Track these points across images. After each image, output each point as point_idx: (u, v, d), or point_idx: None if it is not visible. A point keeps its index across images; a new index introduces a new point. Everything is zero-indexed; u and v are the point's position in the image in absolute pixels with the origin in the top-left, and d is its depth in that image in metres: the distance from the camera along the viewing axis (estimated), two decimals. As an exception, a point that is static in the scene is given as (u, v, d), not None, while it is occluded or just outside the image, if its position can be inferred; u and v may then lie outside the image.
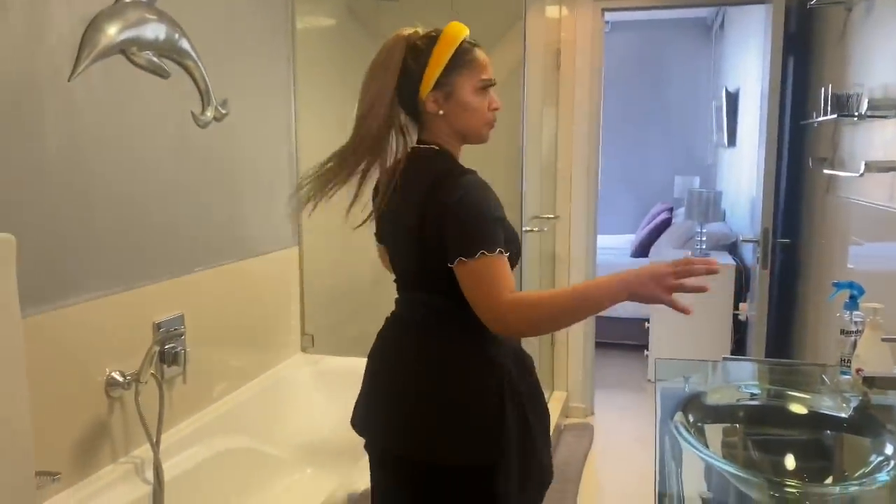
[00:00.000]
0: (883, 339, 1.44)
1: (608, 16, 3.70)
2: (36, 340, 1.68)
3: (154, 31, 2.05)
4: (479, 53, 1.47)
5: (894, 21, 1.93)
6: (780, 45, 2.73)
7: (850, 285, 1.65)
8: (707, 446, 1.45)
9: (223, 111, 2.40)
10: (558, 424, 3.55)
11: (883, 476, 1.25)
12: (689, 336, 4.23)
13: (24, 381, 1.22)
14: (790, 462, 1.49)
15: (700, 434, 1.48)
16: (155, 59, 2.07)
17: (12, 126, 1.63)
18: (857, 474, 1.34)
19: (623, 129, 6.81)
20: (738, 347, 4.22)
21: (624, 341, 5.02)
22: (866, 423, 1.43)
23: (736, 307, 4.13)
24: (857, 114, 1.97)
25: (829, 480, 1.37)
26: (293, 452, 2.62)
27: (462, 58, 1.44)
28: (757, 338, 2.96)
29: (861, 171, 1.87)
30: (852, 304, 1.64)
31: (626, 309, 5.04)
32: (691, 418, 1.52)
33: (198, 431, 2.23)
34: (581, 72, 3.65)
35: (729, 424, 1.60)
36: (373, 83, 1.45)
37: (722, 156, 6.00)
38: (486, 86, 1.47)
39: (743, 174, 4.64)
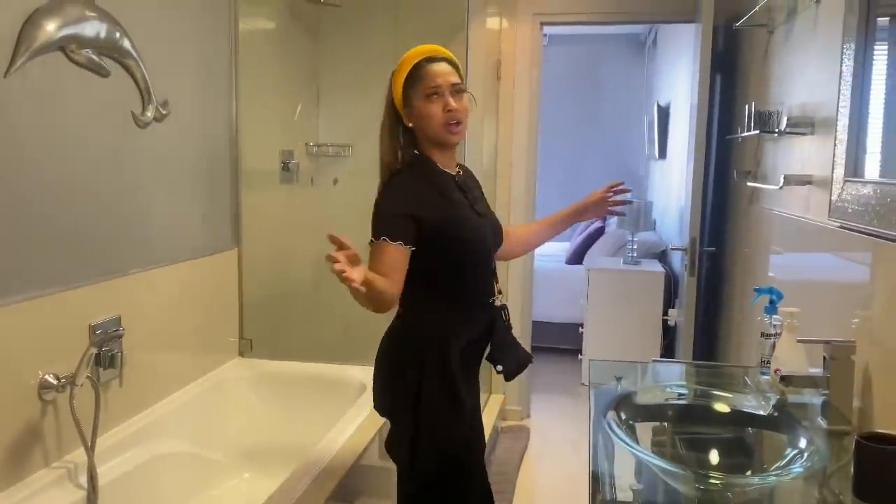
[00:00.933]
0: (798, 341, 1.54)
1: (546, 29, 3.81)
2: (-34, 342, 1.64)
3: (94, 28, 2.03)
4: (429, 68, 1.70)
5: (811, 44, 2.07)
6: (707, 63, 2.87)
7: (770, 290, 1.75)
8: (637, 442, 1.52)
9: (164, 111, 2.38)
10: (496, 427, 3.61)
11: (797, 468, 1.34)
12: (620, 340, 4.36)
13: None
14: (714, 457, 1.57)
15: (631, 431, 1.55)
16: (95, 57, 2.04)
17: (-55, 121, 1.59)
18: (774, 467, 1.43)
19: (560, 139, 6.98)
20: (668, 351, 4.38)
21: (559, 345, 5.14)
22: (784, 420, 1.52)
23: (665, 313, 4.28)
24: (777, 130, 2.10)
25: (748, 473, 1.45)
26: (231, 457, 2.60)
27: (413, 74, 1.70)
28: (685, 341, 3.08)
29: (780, 184, 1.99)
30: (771, 308, 1.75)
31: (561, 314, 5.18)
32: (623, 416, 1.59)
33: (134, 435, 2.20)
34: (520, 82, 3.74)
35: (658, 423, 1.68)
36: (383, 114, 1.77)
37: (653, 168, 6.21)
38: (431, 93, 1.68)
39: (672, 185, 4.83)
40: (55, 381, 1.88)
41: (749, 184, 2.65)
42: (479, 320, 1.77)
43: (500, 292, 1.83)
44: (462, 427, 1.75)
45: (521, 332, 3.93)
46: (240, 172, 2.88)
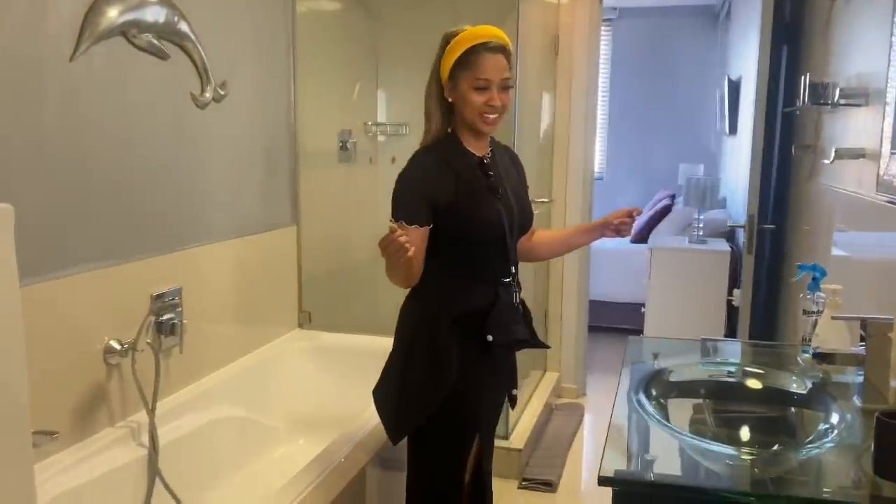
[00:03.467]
0: (833, 318, 1.51)
1: (616, 2, 3.74)
2: (38, 308, 1.78)
3: (154, 13, 2.13)
4: (483, 57, 1.70)
5: (869, 11, 1.98)
6: (768, 32, 2.77)
7: (814, 267, 1.71)
8: (668, 419, 1.53)
9: (222, 92, 2.48)
10: (549, 403, 3.63)
11: (824, 445, 1.32)
12: (683, 321, 4.29)
13: (22, 343, 1.30)
14: (745, 433, 1.56)
15: (661, 407, 1.56)
16: (155, 41, 2.15)
17: (15, 103, 1.72)
18: (801, 444, 1.41)
19: (630, 115, 6.84)
20: (732, 332, 4.27)
21: (621, 325, 5.09)
22: (818, 398, 1.50)
23: (730, 293, 4.18)
24: (829, 102, 2.02)
25: (776, 447, 1.44)
26: (287, 423, 2.72)
27: (467, 58, 1.71)
28: (742, 321, 3.02)
29: (831, 158, 1.93)
30: (814, 285, 1.70)
31: (624, 294, 5.12)
32: (654, 392, 1.60)
33: (193, 400, 2.33)
34: (579, 58, 3.70)
35: (689, 399, 1.67)
36: (430, 75, 1.79)
37: (725, 144, 6.02)
38: (481, 86, 1.70)
39: (742, 162, 4.68)
40: (118, 347, 2.02)
41: (806, 158, 2.55)
42: (483, 293, 1.78)
43: (515, 274, 1.85)
44: (437, 396, 1.75)
45: (578, 311, 3.93)
46: (298, 152, 2.97)
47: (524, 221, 1.90)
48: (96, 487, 1.88)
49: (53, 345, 1.84)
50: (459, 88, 1.73)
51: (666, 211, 5.59)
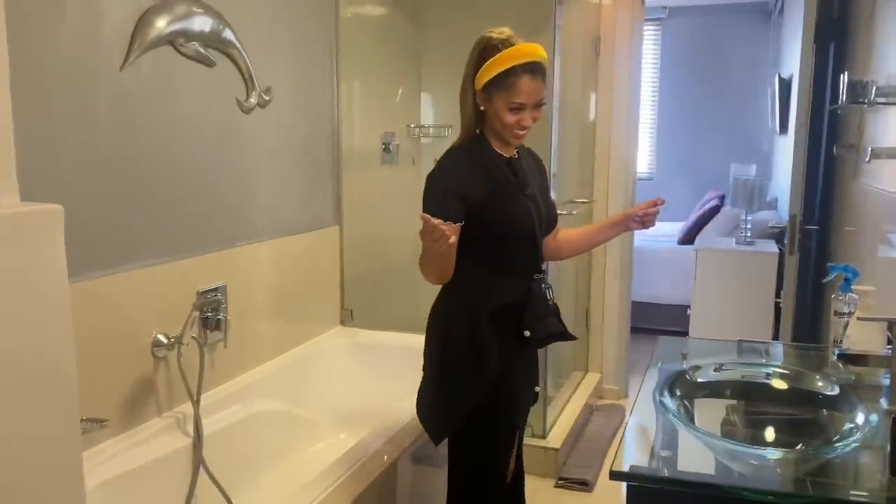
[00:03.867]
0: (859, 319, 1.49)
1: (666, 1, 3.72)
2: (91, 302, 1.89)
3: (200, 23, 2.23)
4: (522, 81, 1.71)
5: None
6: (811, 28, 2.72)
7: (845, 268, 1.69)
8: (693, 420, 1.54)
9: (266, 97, 2.57)
10: (590, 404, 3.63)
11: (853, 443, 1.32)
12: (729, 322, 4.23)
13: (70, 335, 1.39)
14: (770, 434, 1.56)
15: (685, 408, 1.57)
16: (201, 49, 2.25)
17: (69, 110, 1.83)
18: (829, 443, 1.40)
19: (680, 114, 6.75)
20: (780, 335, 4.19)
21: (667, 327, 5.03)
22: (843, 400, 1.48)
23: (778, 295, 4.10)
24: (866, 100, 1.99)
25: (799, 448, 1.44)
26: (328, 418, 2.79)
27: (505, 79, 1.71)
28: (784, 322, 2.97)
29: (868, 157, 1.90)
30: (846, 286, 1.69)
31: (669, 295, 5.07)
32: (678, 392, 1.61)
33: (237, 393, 2.43)
34: (620, 58, 3.69)
35: (716, 400, 1.67)
36: (466, 66, 1.80)
37: (777, 143, 5.89)
38: (514, 108, 1.73)
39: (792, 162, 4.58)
40: (165, 340, 2.12)
41: (848, 157, 2.50)
42: (517, 288, 1.82)
43: (544, 271, 1.89)
44: (482, 389, 1.78)
45: (619, 313, 3.92)
46: (341, 154, 3.05)
47: (550, 220, 1.94)
48: (143, 474, 1.98)
49: (105, 337, 1.95)
50: (493, 104, 1.75)
51: (714, 212, 5.51)
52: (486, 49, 1.74)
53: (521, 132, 1.77)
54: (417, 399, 1.93)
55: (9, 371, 1.24)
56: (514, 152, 1.88)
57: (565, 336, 1.90)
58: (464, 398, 1.79)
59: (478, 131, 1.83)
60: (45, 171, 1.77)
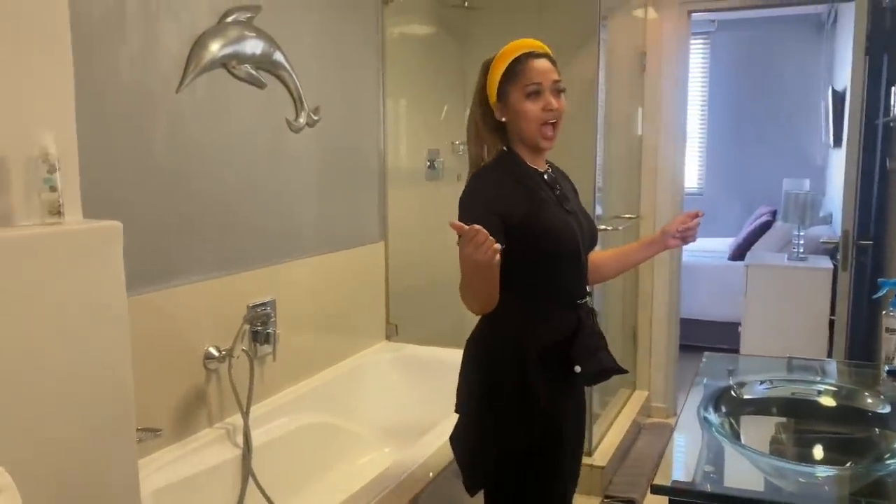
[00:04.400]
0: (885, 330, 1.46)
1: (714, 15, 3.71)
2: (146, 315, 1.96)
3: (252, 46, 2.31)
4: (532, 63, 1.66)
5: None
6: (862, 41, 2.68)
7: (897, 284, 1.66)
8: (738, 436, 1.52)
9: (315, 117, 2.64)
10: (637, 422, 3.59)
11: (889, 465, 1.29)
12: (781, 340, 4.13)
13: (128, 347, 1.46)
14: (817, 451, 1.53)
15: (730, 424, 1.55)
16: (252, 71, 2.33)
17: (128, 131, 1.92)
18: (882, 458, 1.37)
19: (730, 129, 6.67)
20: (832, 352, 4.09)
21: (717, 345, 4.94)
22: (892, 417, 1.45)
23: (833, 312, 4.00)
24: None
25: (847, 466, 1.41)
26: (373, 431, 2.83)
27: (513, 69, 1.66)
28: (838, 339, 2.90)
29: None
30: (897, 302, 1.65)
31: (720, 312, 4.99)
32: (724, 409, 1.59)
33: (286, 405, 2.48)
34: (667, 73, 3.67)
35: (762, 416, 1.65)
36: (472, 104, 1.75)
37: (831, 157, 5.77)
38: (533, 91, 1.64)
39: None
40: (217, 353, 2.19)
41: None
42: (565, 320, 1.68)
43: (589, 294, 1.76)
44: (529, 433, 1.65)
45: (667, 331, 3.87)
46: (387, 170, 3.11)
47: (591, 238, 1.82)
48: (195, 483, 2.04)
49: (159, 349, 2.02)
50: (511, 102, 1.66)
51: (765, 227, 5.41)
52: (485, 65, 1.72)
53: (549, 121, 1.65)
54: (452, 441, 1.78)
55: (72, 380, 1.31)
56: (547, 166, 1.78)
57: (616, 370, 1.73)
58: (506, 444, 1.65)
59: (504, 148, 1.72)
60: (105, 190, 1.85)
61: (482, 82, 1.72)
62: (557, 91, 1.67)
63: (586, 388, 1.84)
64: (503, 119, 1.69)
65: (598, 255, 1.92)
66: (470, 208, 1.62)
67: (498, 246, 1.42)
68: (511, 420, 1.64)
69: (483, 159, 1.72)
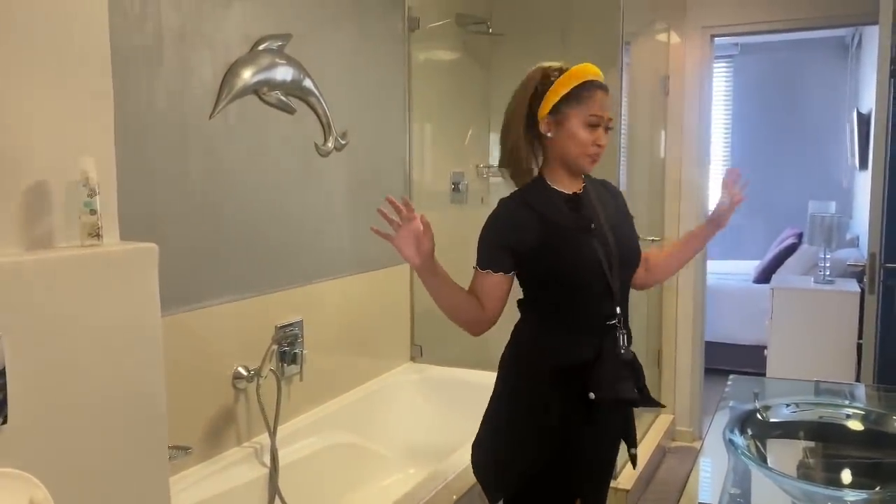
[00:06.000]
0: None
1: (737, 39, 3.74)
2: (176, 335, 2.00)
3: (283, 73, 2.37)
4: (599, 94, 1.67)
5: None
6: (886, 63, 2.69)
7: (925, 307, 1.65)
8: (765, 459, 1.52)
9: (343, 142, 2.69)
10: (662, 446, 3.56)
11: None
12: (807, 363, 4.09)
13: (162, 366, 1.49)
14: (846, 476, 1.52)
15: (756, 447, 1.55)
16: (283, 97, 2.38)
17: (164, 156, 1.98)
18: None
19: (754, 151, 6.64)
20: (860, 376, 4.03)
21: (742, 368, 4.89)
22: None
23: (860, 335, 3.95)
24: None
25: (878, 489, 1.40)
26: (398, 452, 2.84)
27: (580, 93, 1.66)
28: (866, 363, 2.87)
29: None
30: (926, 326, 1.64)
31: (745, 336, 4.95)
32: (750, 432, 1.59)
33: (312, 425, 2.50)
34: (690, 96, 3.69)
35: (789, 440, 1.64)
36: (513, 103, 1.74)
37: (857, 179, 5.72)
38: (593, 123, 1.65)
39: (873, 198, 4.44)
40: (245, 373, 2.22)
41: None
42: (585, 345, 1.65)
43: (620, 316, 1.68)
44: (539, 451, 1.66)
45: (692, 354, 3.85)
46: (412, 193, 3.15)
47: (628, 256, 1.74)
48: (223, 501, 2.06)
49: (189, 369, 2.06)
50: (567, 125, 1.65)
51: (791, 250, 5.37)
52: (546, 76, 1.68)
53: (597, 151, 1.67)
54: (473, 452, 1.79)
55: (107, 399, 1.34)
56: (581, 186, 1.74)
57: (637, 403, 1.67)
58: (521, 458, 1.67)
59: (536, 175, 1.74)
60: (141, 213, 1.90)
61: (531, 92, 1.69)
62: (607, 128, 1.69)
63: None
64: (548, 133, 1.68)
65: (652, 260, 1.92)
66: (484, 234, 1.72)
67: (419, 221, 1.70)
68: (522, 436, 1.68)
69: (524, 174, 1.74)
